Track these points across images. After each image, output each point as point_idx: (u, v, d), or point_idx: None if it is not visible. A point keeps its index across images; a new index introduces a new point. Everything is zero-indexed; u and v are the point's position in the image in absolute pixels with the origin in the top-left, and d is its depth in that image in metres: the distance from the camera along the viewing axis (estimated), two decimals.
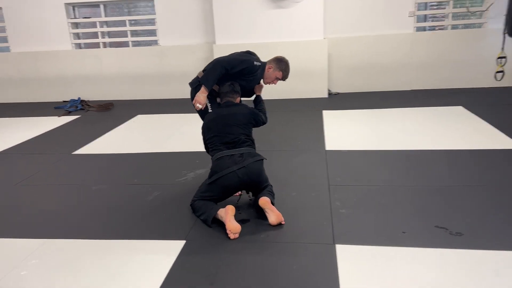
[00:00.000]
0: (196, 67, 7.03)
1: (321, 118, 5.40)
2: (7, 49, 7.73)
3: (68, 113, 6.64)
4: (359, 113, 5.61)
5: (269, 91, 6.95)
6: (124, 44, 7.68)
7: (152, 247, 2.57)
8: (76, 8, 7.58)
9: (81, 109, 6.88)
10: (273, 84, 3.37)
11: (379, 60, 6.89)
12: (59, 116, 6.43)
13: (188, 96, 3.33)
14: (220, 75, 3.10)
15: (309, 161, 3.90)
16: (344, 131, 4.81)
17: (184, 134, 5.11)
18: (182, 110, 6.23)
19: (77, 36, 7.63)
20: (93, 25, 7.56)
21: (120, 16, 7.57)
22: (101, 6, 7.46)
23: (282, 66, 3.31)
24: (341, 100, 6.57)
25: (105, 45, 7.67)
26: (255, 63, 3.21)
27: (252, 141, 3.05)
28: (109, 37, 7.65)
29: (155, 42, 7.44)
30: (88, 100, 7.41)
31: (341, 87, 7.13)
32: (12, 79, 7.71)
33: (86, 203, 3.25)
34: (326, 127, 5.01)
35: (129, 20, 7.43)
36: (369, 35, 6.83)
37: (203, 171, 3.70)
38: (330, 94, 7.02)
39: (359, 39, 6.86)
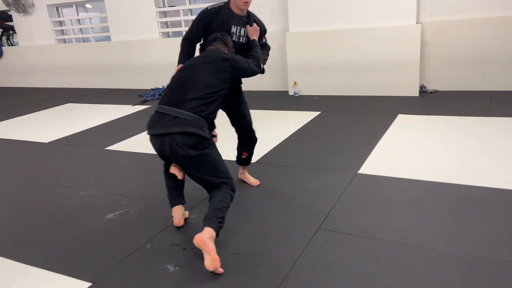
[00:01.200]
0: (271, 57, 6.45)
1: (387, 126, 4.33)
2: (108, 39, 8.31)
3: (144, 101, 6.79)
4: (448, 121, 4.33)
5: (346, 86, 5.99)
6: None
7: (48, 282, 2.21)
8: None
9: (157, 98, 6.98)
10: (248, 0, 2.75)
11: (494, 49, 5.26)
12: (133, 104, 6.61)
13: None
14: (187, 47, 2.86)
15: (322, 187, 3.05)
16: (406, 148, 3.71)
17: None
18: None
19: (165, 25, 7.74)
20: (179, 13, 7.56)
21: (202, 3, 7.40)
22: None
23: None
24: (434, 101, 5.24)
25: None
26: (209, 7, 2.82)
27: (210, 113, 2.32)
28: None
29: None
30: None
31: (440, 84, 5.71)
32: (111, 66, 8.27)
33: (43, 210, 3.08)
34: (385, 139, 3.96)
35: None
36: (480, 17, 5.24)
37: None
38: (424, 91, 5.69)
39: (466, 23, 5.33)
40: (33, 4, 8.74)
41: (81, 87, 8.78)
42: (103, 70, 8.37)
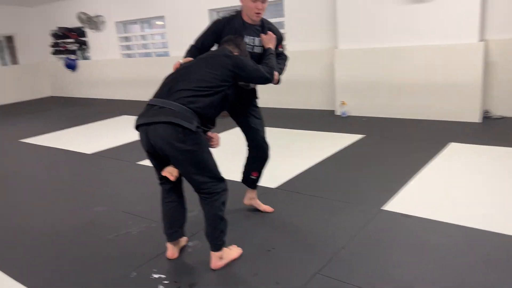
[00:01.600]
0: (319, 74, 6.25)
1: (433, 155, 3.86)
2: (167, 54, 8.58)
3: None
4: (510, 154, 3.77)
5: (397, 108, 5.47)
6: None
7: None
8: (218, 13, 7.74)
9: None
10: (260, 11, 2.56)
11: None
12: None
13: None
14: (189, 53, 2.66)
15: (337, 223, 2.73)
16: (448, 183, 3.25)
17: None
18: (291, 124, 5.55)
19: None
20: None
21: None
22: None
23: None
24: (498, 129, 4.63)
25: None
26: (221, 17, 2.70)
27: (201, 107, 2.10)
28: None
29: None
30: None
31: (508, 110, 5.03)
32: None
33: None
34: (426, 171, 3.51)
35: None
36: None
37: None
38: (488, 117, 5.05)
39: None
40: (104, 22, 9.35)
41: (140, 99, 9.15)
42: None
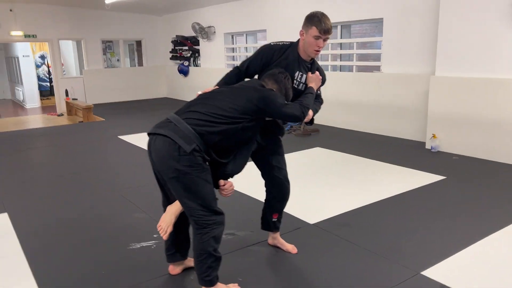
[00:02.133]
0: (412, 101, 5.65)
1: None
2: None
3: None
4: None
5: (497, 149, 4.55)
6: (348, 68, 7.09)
7: None
8: None
9: (288, 131, 6.91)
10: (320, 48, 2.42)
11: None
12: None
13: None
14: (231, 76, 2.54)
15: (359, 280, 2.39)
16: None
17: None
18: (381, 156, 5.17)
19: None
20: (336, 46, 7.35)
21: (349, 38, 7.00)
22: (338, 27, 7.12)
23: (313, 20, 2.38)
24: None
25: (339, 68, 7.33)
26: (273, 43, 2.56)
27: (209, 133, 2.01)
28: (340, 60, 7.25)
29: (377, 68, 6.44)
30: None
31: None
32: None
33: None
34: (497, 234, 2.90)
35: (356, 42, 6.75)
36: None
37: None
38: None
39: None
40: (215, 32, 9.91)
41: None
42: None
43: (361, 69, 6.84)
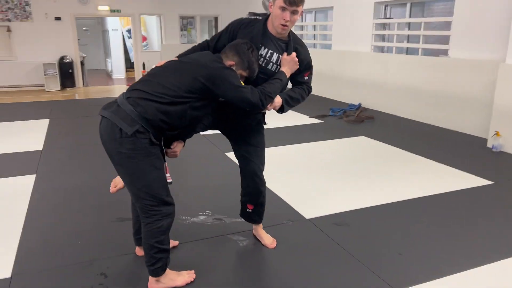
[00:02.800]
0: (477, 92, 4.88)
1: None
2: (329, 47, 8.25)
3: (324, 116, 6.47)
4: None
5: None
6: (414, 51, 6.38)
7: None
8: (387, 8, 6.91)
9: (340, 115, 6.51)
10: (287, 23, 2.11)
11: None
12: (310, 116, 6.42)
13: None
14: (197, 47, 2.33)
15: None
16: None
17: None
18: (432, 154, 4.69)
19: (381, 38, 7.02)
20: (393, 27, 6.69)
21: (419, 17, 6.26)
22: (408, 5, 6.42)
23: None
24: None
25: (401, 50, 6.66)
26: (244, 17, 2.35)
27: (150, 114, 1.86)
28: (407, 41, 6.56)
29: (445, 52, 5.69)
30: (362, 108, 6.86)
31: None
32: (325, 75, 8.23)
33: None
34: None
35: (425, 22, 6.02)
36: None
37: None
38: None
39: None
40: None
41: None
42: (318, 77, 8.44)
43: (429, 52, 6.12)
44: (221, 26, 12.26)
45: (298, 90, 2.33)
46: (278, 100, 2.19)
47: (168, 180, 2.12)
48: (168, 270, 2.13)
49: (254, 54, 2.13)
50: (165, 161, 2.11)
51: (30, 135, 5.28)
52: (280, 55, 2.24)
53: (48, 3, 10.29)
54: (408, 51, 6.60)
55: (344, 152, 4.61)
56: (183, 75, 1.96)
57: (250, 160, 2.40)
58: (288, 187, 3.53)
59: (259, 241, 2.63)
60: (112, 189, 2.24)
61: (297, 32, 9.40)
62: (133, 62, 13.88)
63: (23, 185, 3.52)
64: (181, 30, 12.55)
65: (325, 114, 6.54)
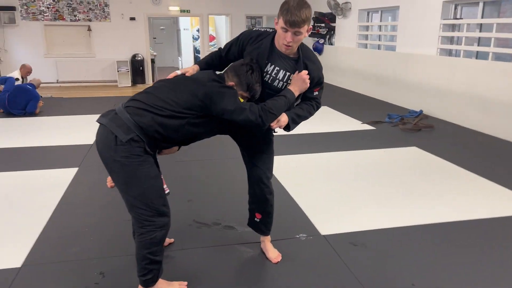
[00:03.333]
0: None
1: None
2: (393, 48, 7.77)
3: (377, 122, 6.09)
4: None
5: None
6: (483, 55, 5.74)
7: None
8: (458, 7, 6.31)
9: (397, 122, 6.09)
10: (289, 43, 2.01)
11: None
12: (362, 122, 6.10)
13: None
14: (212, 56, 2.32)
15: None
16: None
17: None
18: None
19: (448, 40, 6.44)
20: (462, 28, 6.08)
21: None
22: (480, 4, 5.81)
23: (283, 7, 2.00)
24: None
25: (471, 54, 6.05)
26: (256, 28, 2.25)
27: (146, 124, 1.88)
28: (477, 44, 5.93)
29: None
30: (422, 115, 6.36)
31: None
32: (387, 78, 7.77)
33: None
34: None
35: (497, 23, 5.39)
36: None
37: None
38: None
39: None
40: (350, 8, 9.26)
41: (357, 91, 8.81)
42: (379, 80, 8.01)
43: (502, 57, 5.49)
44: None
45: (306, 107, 2.22)
46: (284, 119, 2.11)
47: (166, 191, 2.13)
48: (160, 280, 2.12)
49: (254, 76, 2.07)
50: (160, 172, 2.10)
51: (89, 129, 5.65)
52: (288, 73, 2.14)
53: (124, 4, 10.98)
54: (478, 55, 5.98)
55: (387, 163, 4.29)
56: (182, 92, 1.98)
57: (257, 166, 2.34)
58: (312, 198, 3.37)
59: (264, 254, 2.53)
60: (109, 183, 2.27)
61: (361, 32, 9.00)
62: None
63: (63, 178, 3.76)
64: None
65: (380, 120, 6.17)
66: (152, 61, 11.74)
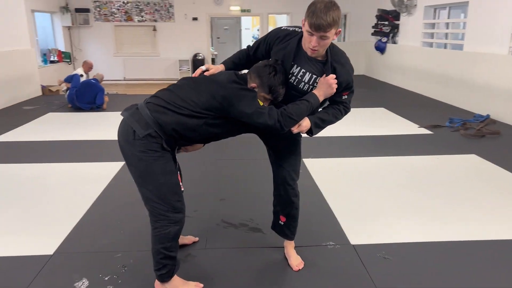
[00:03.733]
0: None
1: None
2: (460, 47, 7.19)
3: (435, 126, 5.66)
4: None
5: None
6: None
7: None
8: None
9: (458, 126, 5.63)
10: (315, 48, 1.91)
11: None
12: (419, 126, 5.71)
13: None
14: (240, 54, 2.30)
15: None
16: None
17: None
18: None
19: None
20: None
21: None
22: None
23: (308, 10, 1.87)
24: None
25: None
26: (284, 27, 2.16)
27: (166, 122, 1.90)
28: None
29: None
30: (489, 120, 5.81)
31: None
32: (452, 78, 7.22)
33: None
34: None
35: None
36: None
37: None
38: None
39: None
40: (415, 5, 8.75)
41: (419, 92, 8.29)
42: (445, 81, 7.47)
43: None
44: (351, 24, 11.80)
45: (333, 111, 2.11)
46: (305, 124, 2.03)
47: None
48: (175, 277, 2.13)
49: (277, 77, 2.00)
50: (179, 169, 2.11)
51: None
52: (314, 75, 2.05)
53: (187, 5, 11.34)
54: None
55: (439, 171, 3.96)
56: (202, 92, 1.96)
57: (282, 166, 2.27)
58: (349, 204, 3.21)
59: (287, 260, 2.44)
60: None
61: (427, 30, 8.46)
62: None
63: (108, 171, 3.93)
64: None
65: (439, 124, 5.74)
66: (213, 60, 12.00)
